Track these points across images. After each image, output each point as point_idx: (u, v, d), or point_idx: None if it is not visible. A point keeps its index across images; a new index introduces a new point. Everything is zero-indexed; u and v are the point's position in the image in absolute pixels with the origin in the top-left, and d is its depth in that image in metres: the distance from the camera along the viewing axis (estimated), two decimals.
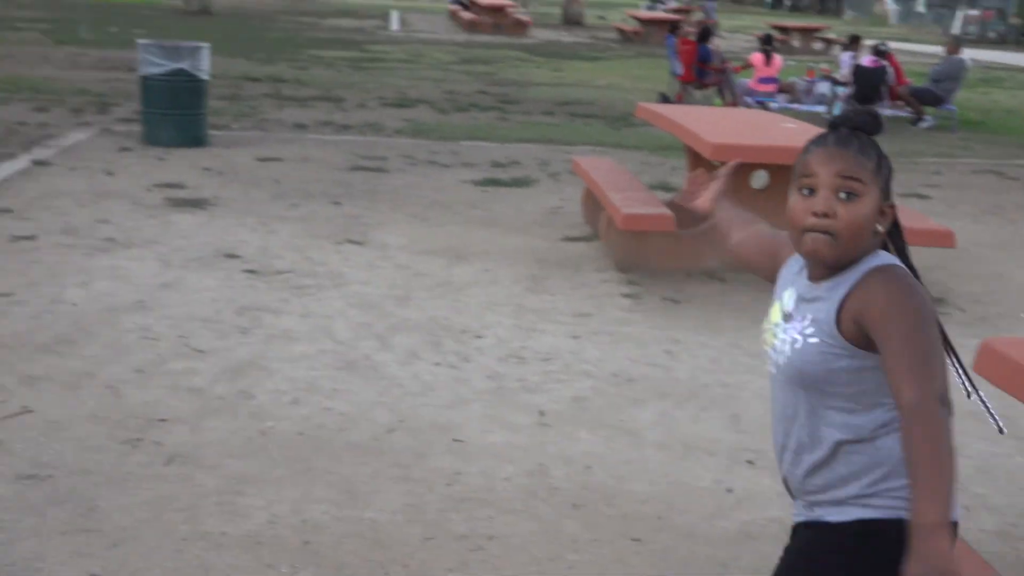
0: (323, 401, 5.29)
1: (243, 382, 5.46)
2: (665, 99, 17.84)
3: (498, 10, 34.30)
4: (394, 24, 36.14)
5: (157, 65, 11.56)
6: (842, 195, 2.24)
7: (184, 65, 11.58)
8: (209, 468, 4.55)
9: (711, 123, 8.39)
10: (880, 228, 2.29)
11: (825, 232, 2.24)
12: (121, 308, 6.45)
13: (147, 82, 11.71)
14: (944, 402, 2.08)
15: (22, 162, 10.47)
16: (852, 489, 2.31)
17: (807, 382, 2.31)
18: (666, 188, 10.65)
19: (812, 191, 2.27)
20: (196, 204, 9.12)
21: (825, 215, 2.24)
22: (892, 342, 2.14)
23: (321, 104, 15.78)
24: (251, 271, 7.34)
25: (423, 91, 18.01)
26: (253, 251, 7.82)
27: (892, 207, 2.32)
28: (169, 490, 4.34)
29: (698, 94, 18.41)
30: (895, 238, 2.38)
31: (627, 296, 7.35)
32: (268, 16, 36.08)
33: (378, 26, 34.68)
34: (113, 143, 11.67)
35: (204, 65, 11.84)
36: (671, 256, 7.92)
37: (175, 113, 11.68)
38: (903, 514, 2.21)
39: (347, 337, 6.20)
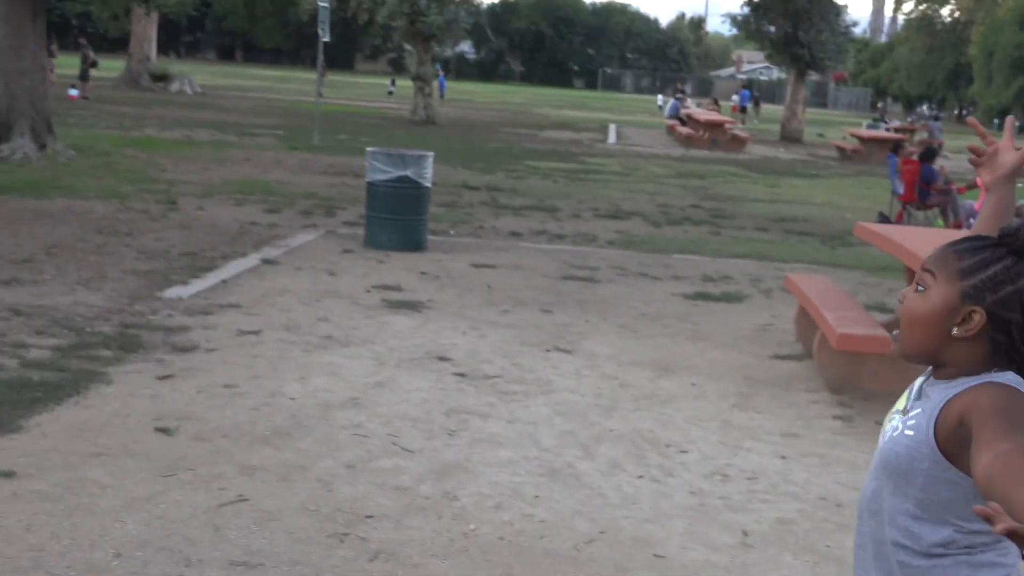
0: (525, 507, 5.31)
1: (448, 483, 5.54)
2: (885, 219, 17.46)
3: (716, 126, 34.41)
4: (611, 137, 36.66)
5: (383, 172, 12.05)
6: (919, 287, 2.24)
7: (409, 172, 12.03)
8: (411, 567, 4.61)
9: (934, 245, 8.16)
10: (956, 332, 2.18)
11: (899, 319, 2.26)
12: (335, 404, 6.66)
13: (372, 188, 12.21)
14: None
15: (252, 260, 11.01)
16: None
17: (888, 472, 2.26)
18: (883, 309, 10.38)
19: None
20: (412, 306, 9.39)
21: (900, 301, 2.27)
22: (987, 426, 1.98)
23: (536, 213, 16.09)
24: (461, 374, 7.49)
25: (637, 204, 18.15)
26: (463, 355, 7.98)
27: (978, 313, 2.15)
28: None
29: (920, 215, 17.98)
30: (1012, 351, 2.16)
31: (838, 418, 7.16)
32: (489, 127, 37.14)
33: (595, 139, 35.24)
34: (337, 245, 12.16)
35: (427, 173, 12.28)
36: (887, 379, 7.68)
37: (397, 218, 12.11)
38: None
39: (551, 444, 6.23)
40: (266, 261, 10.97)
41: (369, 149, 12.59)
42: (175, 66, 51.77)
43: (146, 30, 47.23)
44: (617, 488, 5.65)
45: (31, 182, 15.54)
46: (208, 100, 42.34)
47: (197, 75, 51.96)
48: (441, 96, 46.37)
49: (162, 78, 47.07)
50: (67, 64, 44.55)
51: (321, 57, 27.80)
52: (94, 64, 39.03)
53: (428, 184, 12.38)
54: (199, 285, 9.73)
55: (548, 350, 8.30)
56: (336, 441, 6.04)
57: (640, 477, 5.84)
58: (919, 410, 2.23)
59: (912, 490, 2.21)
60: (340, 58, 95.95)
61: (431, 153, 12.57)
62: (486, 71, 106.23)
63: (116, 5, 35.83)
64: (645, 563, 4.84)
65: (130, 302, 8.92)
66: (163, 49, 57.77)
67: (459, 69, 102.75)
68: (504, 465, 5.85)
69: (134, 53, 47.98)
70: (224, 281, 9.97)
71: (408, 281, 10.47)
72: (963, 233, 2.60)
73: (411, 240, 12.20)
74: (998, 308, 2.14)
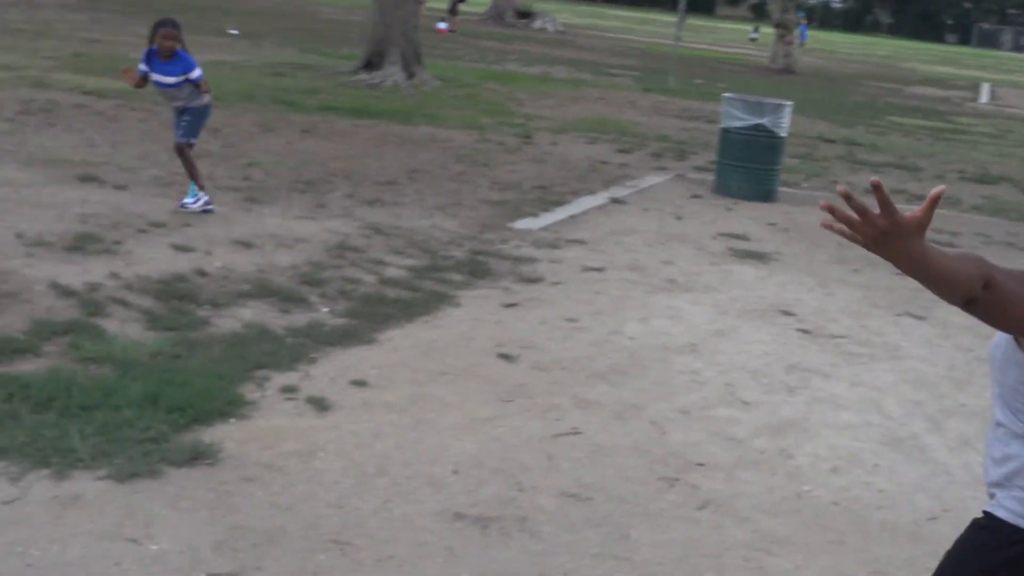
0: (863, 475, 5.09)
1: (784, 440, 5.38)
2: None
3: None
4: (983, 97, 34.52)
5: (738, 119, 11.81)
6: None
7: (764, 121, 11.74)
8: (741, 520, 4.51)
9: None
10: None
11: None
12: (674, 348, 6.61)
13: (726, 134, 12.00)
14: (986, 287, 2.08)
15: (601, 198, 11.08)
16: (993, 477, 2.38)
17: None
18: None
19: None
20: (758, 257, 9.18)
21: None
22: None
23: (895, 171, 15.36)
24: (804, 331, 7.25)
25: (1008, 168, 17.00)
26: (809, 311, 7.73)
27: None
28: (699, 534, 4.36)
29: None
30: None
31: None
32: (850, 79, 35.79)
33: (965, 98, 33.28)
34: (685, 189, 12.05)
35: (784, 123, 11.94)
36: None
37: (749, 166, 11.86)
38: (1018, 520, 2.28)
39: (896, 413, 5.93)
40: (614, 200, 11.01)
41: (725, 95, 12.36)
42: (539, 4, 52.77)
43: None
44: (965, 466, 5.31)
45: (399, 109, 16.27)
46: (568, 39, 42.95)
47: (560, 14, 52.79)
48: (802, 44, 44.98)
49: (525, 15, 48.12)
50: None
51: (683, 0, 27.53)
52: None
53: (783, 134, 12.05)
54: (548, 219, 9.89)
55: (899, 314, 7.91)
56: (672, 385, 5.99)
57: None
58: None
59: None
60: (701, 2, 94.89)
61: (789, 103, 12.20)
62: (851, 21, 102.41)
63: None
64: None
65: (482, 230, 9.18)
66: None
67: (823, 18, 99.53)
68: (844, 428, 5.62)
69: None
70: (572, 217, 10.09)
71: (756, 231, 10.24)
72: None
73: (761, 189, 11.93)
74: None
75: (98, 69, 16.80)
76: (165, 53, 8.34)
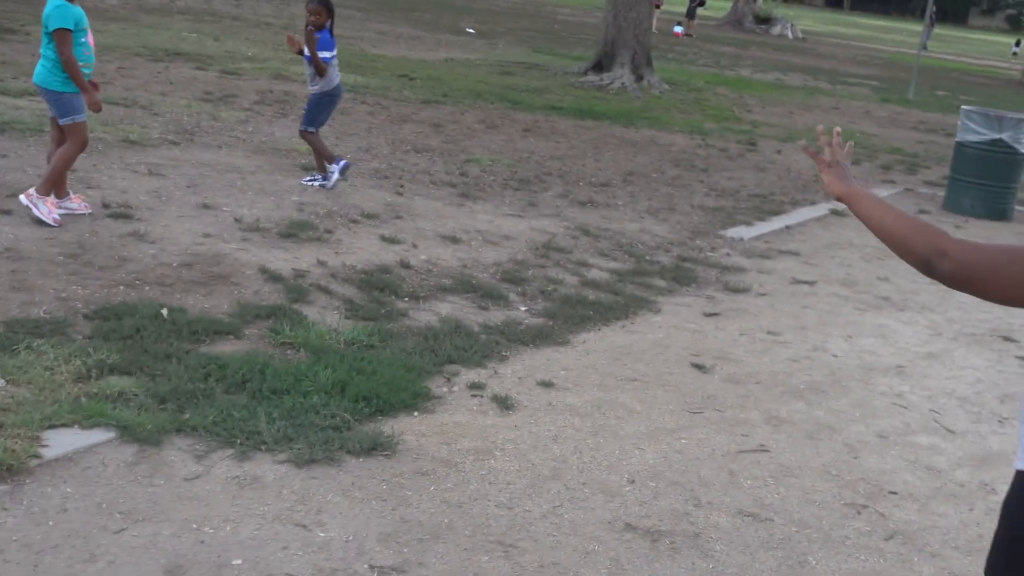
0: None
1: (988, 474, 5.06)
2: None
3: None
4: None
5: (976, 132, 11.25)
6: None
7: (1004, 136, 11.15)
8: (930, 555, 4.26)
9: None
10: None
11: None
12: (879, 368, 6.32)
13: (961, 148, 11.46)
14: (961, 253, 2.22)
15: (821, 209, 10.74)
16: None
17: None
18: None
19: None
20: None
21: None
22: None
23: None
24: None
25: None
26: None
27: None
28: (883, 567, 4.13)
29: None
30: None
31: None
32: None
33: None
34: (913, 203, 11.56)
35: None
36: None
37: (984, 183, 11.28)
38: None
39: None
40: (835, 212, 10.65)
41: (964, 107, 11.79)
42: (780, 9, 51.76)
43: None
44: None
45: (623, 111, 16.20)
46: (807, 45, 42.01)
47: (801, 20, 51.69)
48: None
49: (765, 20, 47.32)
50: (676, 2, 45.97)
51: (931, 8, 26.50)
52: (702, 3, 39.96)
53: None
54: (762, 228, 9.65)
55: None
56: (872, 407, 5.72)
57: None
58: None
59: None
60: (953, 11, 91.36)
61: None
62: None
63: None
64: None
65: (692, 236, 9.02)
66: None
67: None
68: None
69: None
70: (788, 227, 9.81)
71: None
72: None
73: (996, 208, 11.33)
74: None
75: None
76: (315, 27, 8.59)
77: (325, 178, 8.88)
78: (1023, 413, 2.45)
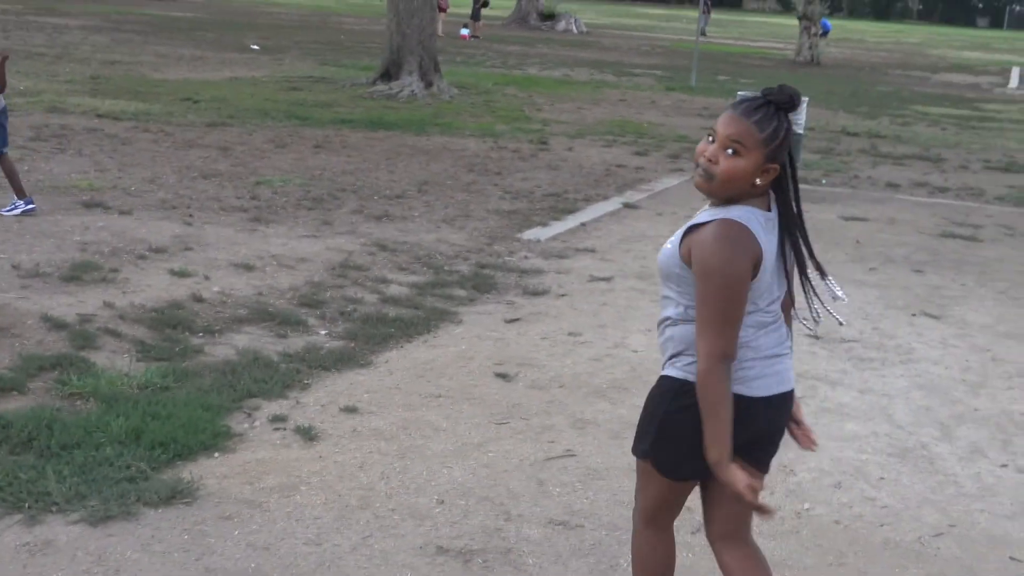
0: (867, 489, 4.92)
1: (786, 455, 5.20)
2: None
3: None
4: (1014, 81, 34.06)
5: None
6: (728, 151, 2.88)
7: None
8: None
9: None
10: (759, 182, 2.91)
11: (706, 172, 2.92)
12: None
13: None
14: (725, 358, 2.85)
15: (614, 204, 10.94)
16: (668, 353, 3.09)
17: (661, 273, 3.09)
18: None
19: (713, 140, 2.93)
20: None
21: (710, 161, 2.91)
22: (697, 294, 2.90)
23: (918, 163, 15.12)
24: (813, 336, 7.07)
25: None
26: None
27: (776, 168, 2.92)
28: (691, 560, 4.21)
29: None
30: (780, 191, 2.99)
31: None
32: (878, 69, 35.43)
33: (996, 83, 32.85)
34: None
35: (800, 118, 11.69)
36: None
37: None
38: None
39: (905, 421, 5.76)
40: (628, 205, 10.87)
41: (739, 93, 12.16)
42: (563, 5, 52.62)
43: None
44: (975, 477, 5.13)
45: (413, 119, 16.18)
46: (591, 39, 42.85)
47: (583, 14, 52.66)
48: (824, 35, 44.59)
49: (549, 17, 48.05)
50: (460, 4, 46.24)
51: None
52: (486, 3, 40.29)
53: (801, 131, 11.79)
54: (558, 227, 9.76)
55: (914, 315, 7.72)
56: None
57: (1003, 466, 5.28)
58: (682, 228, 3.00)
59: (672, 284, 3.03)
60: None
61: (805, 97, 11.98)
62: (881, 9, 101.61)
63: None
64: (999, 566, 4.35)
65: (490, 242, 9.06)
66: None
67: (852, 7, 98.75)
68: (849, 440, 5.46)
69: None
70: (583, 224, 9.95)
71: None
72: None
73: None
74: (781, 159, 2.93)
75: (115, 91, 16.83)
76: None
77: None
78: (660, 330, 3.10)
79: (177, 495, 4.36)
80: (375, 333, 6.56)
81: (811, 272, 3.10)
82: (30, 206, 8.63)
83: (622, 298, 7.67)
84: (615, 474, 4.89)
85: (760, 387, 3.00)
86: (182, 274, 7.41)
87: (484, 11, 40.48)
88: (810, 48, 36.51)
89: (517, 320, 7.03)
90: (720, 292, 2.82)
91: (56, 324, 6.21)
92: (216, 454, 4.80)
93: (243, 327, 6.51)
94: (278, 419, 5.21)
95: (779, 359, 3.06)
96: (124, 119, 14.13)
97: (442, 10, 32.80)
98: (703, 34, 27.85)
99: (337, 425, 5.20)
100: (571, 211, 10.49)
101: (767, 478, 4.84)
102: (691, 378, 2.95)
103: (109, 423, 4.89)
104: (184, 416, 5.05)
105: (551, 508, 4.53)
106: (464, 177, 11.88)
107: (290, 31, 34.86)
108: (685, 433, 2.99)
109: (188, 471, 4.59)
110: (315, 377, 5.80)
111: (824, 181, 13.14)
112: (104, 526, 4.10)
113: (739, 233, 2.85)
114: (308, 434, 5.06)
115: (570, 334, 6.81)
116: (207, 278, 7.39)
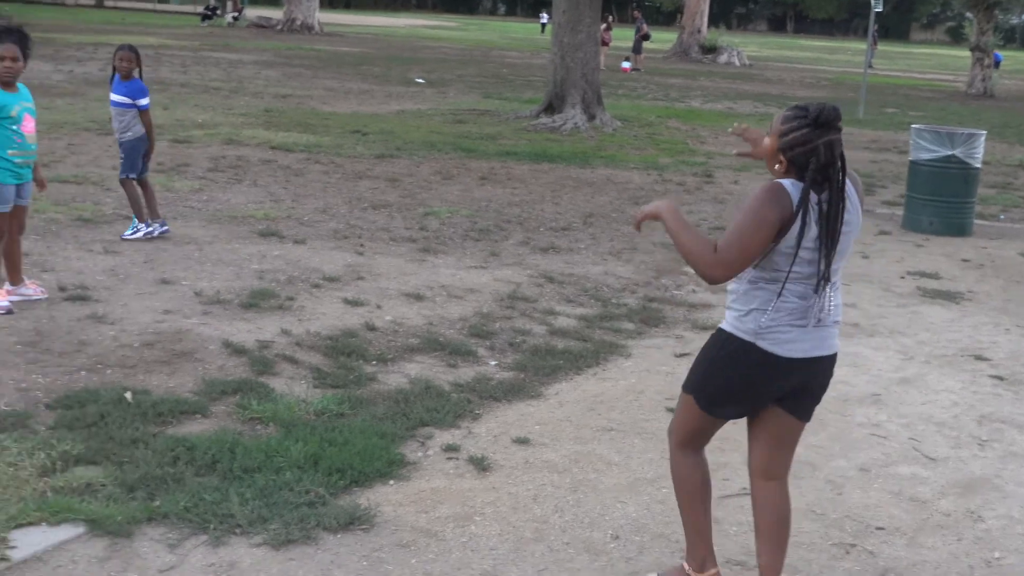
0: None
1: (973, 501, 5.02)
2: None
3: None
4: None
5: (928, 150, 11.32)
6: (768, 131, 3.62)
7: (957, 152, 11.22)
8: None
9: None
10: (776, 168, 3.54)
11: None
12: (854, 398, 6.28)
13: (915, 167, 11.53)
14: (724, 264, 3.43)
15: None
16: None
17: None
18: None
19: None
20: (949, 297, 8.73)
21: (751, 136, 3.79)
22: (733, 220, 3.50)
23: None
24: (999, 377, 6.81)
25: None
26: (1004, 355, 7.27)
27: (783, 162, 3.53)
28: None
29: None
30: (801, 169, 3.50)
31: None
32: None
33: None
34: (873, 225, 11.59)
35: (978, 153, 11.38)
36: None
37: (941, 200, 11.34)
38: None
39: None
40: None
41: (914, 126, 11.87)
42: (724, 38, 52.25)
43: (699, 3, 48.08)
44: None
45: (578, 152, 16.22)
46: (755, 72, 42.42)
47: (746, 46, 52.21)
48: (996, 67, 43.24)
49: (711, 50, 47.75)
50: (622, 37, 46.32)
51: (873, 26, 26.79)
52: (647, 37, 40.28)
53: (978, 164, 11.47)
54: None
55: None
56: (851, 439, 5.67)
57: None
58: None
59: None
60: (895, 27, 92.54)
61: (983, 132, 11.62)
62: None
63: None
64: None
65: (656, 275, 9.00)
66: (714, 21, 58.58)
67: None
68: None
69: (686, 26, 49.06)
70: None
71: (947, 268, 9.75)
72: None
73: (955, 224, 11.38)
74: (793, 157, 3.51)
75: (287, 124, 17.32)
76: (123, 74, 8.87)
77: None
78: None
79: (355, 521, 4.41)
80: (544, 365, 6.56)
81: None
82: (149, 230, 9.02)
83: None
84: (793, 515, 4.75)
85: (793, 350, 3.58)
86: (355, 303, 7.54)
87: (645, 44, 40.47)
88: (983, 80, 35.46)
89: (687, 355, 6.94)
90: (754, 216, 3.40)
91: (236, 350, 6.38)
92: (391, 482, 4.84)
93: (414, 356, 6.59)
94: (451, 448, 5.23)
95: (816, 329, 3.61)
96: (296, 151, 14.51)
97: (604, 44, 32.89)
98: (870, 66, 27.27)
99: (509, 456, 5.20)
100: None
101: (953, 523, 4.66)
102: (737, 333, 3.60)
103: (288, 448, 4.98)
104: (360, 443, 5.12)
105: (728, 547, 4.43)
106: (629, 210, 11.84)
107: (453, 65, 35.41)
108: (725, 379, 3.66)
109: (365, 498, 4.65)
110: (486, 407, 5.82)
111: (1002, 216, 12.69)
112: (286, 550, 4.17)
113: (777, 189, 3.46)
114: (481, 464, 5.07)
115: None
116: (379, 307, 7.51)
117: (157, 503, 4.44)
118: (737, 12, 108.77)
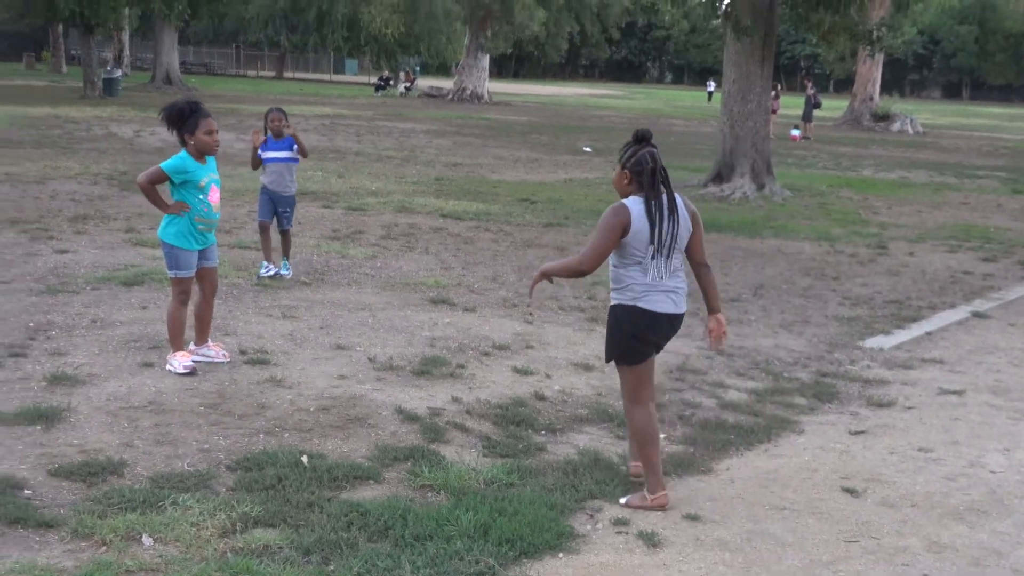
0: None
1: None
2: None
3: None
4: None
5: None
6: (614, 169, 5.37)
7: None
8: None
9: None
10: (626, 182, 5.27)
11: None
12: None
13: None
14: (588, 261, 5.30)
15: (961, 312, 10.42)
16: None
17: None
18: None
19: None
20: None
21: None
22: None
23: None
24: None
25: None
26: None
27: (627, 172, 5.27)
28: None
29: None
30: (644, 185, 5.23)
31: None
32: None
33: None
34: None
35: None
36: None
37: None
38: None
39: None
40: (976, 314, 10.32)
41: None
42: (897, 105, 51.23)
43: (871, 70, 47.36)
44: None
45: (746, 221, 16.07)
46: (929, 140, 41.45)
47: (920, 114, 51.09)
48: None
49: (884, 118, 46.87)
50: (791, 104, 45.88)
51: None
52: (818, 105, 39.78)
53: None
54: (902, 336, 9.38)
55: None
56: None
57: None
58: None
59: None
60: None
61: None
62: None
63: (840, 46, 36.33)
64: None
65: (829, 349, 8.81)
66: (887, 88, 57.52)
67: None
68: None
69: (857, 93, 48.33)
70: (928, 333, 9.52)
71: None
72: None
73: None
74: (632, 166, 5.25)
75: (457, 192, 17.64)
76: (276, 133, 9.98)
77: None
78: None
79: None
80: (714, 439, 6.47)
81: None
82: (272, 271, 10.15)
83: (975, 413, 7.25)
84: None
85: (654, 304, 5.28)
86: (524, 372, 7.59)
87: (815, 112, 39.99)
88: None
89: (862, 432, 6.77)
90: (602, 227, 5.20)
91: (408, 416, 6.48)
92: (560, 554, 4.82)
93: (583, 427, 6.58)
94: (620, 522, 5.20)
95: (663, 292, 5.32)
96: (466, 219, 14.76)
97: (773, 112, 32.62)
98: None
99: (680, 532, 5.13)
100: (915, 319, 10.07)
101: None
102: (623, 302, 5.31)
103: (459, 516, 5.02)
104: (529, 514, 5.12)
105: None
106: (800, 281, 11.65)
107: (620, 134, 35.54)
108: (626, 335, 5.34)
109: (535, 570, 4.64)
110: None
111: None
112: None
113: (619, 206, 5.19)
114: (651, 540, 5.01)
115: (920, 449, 6.48)
116: (548, 376, 7.54)
117: (331, 567, 4.52)
118: (910, 79, 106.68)
